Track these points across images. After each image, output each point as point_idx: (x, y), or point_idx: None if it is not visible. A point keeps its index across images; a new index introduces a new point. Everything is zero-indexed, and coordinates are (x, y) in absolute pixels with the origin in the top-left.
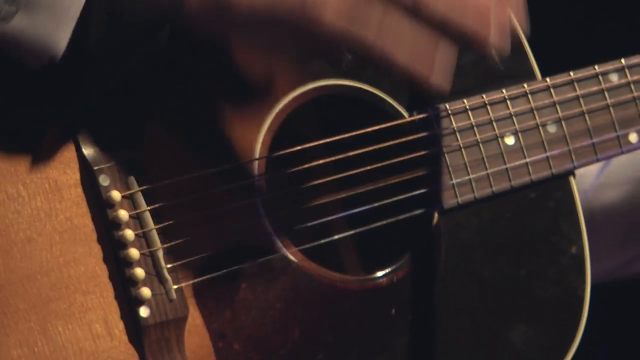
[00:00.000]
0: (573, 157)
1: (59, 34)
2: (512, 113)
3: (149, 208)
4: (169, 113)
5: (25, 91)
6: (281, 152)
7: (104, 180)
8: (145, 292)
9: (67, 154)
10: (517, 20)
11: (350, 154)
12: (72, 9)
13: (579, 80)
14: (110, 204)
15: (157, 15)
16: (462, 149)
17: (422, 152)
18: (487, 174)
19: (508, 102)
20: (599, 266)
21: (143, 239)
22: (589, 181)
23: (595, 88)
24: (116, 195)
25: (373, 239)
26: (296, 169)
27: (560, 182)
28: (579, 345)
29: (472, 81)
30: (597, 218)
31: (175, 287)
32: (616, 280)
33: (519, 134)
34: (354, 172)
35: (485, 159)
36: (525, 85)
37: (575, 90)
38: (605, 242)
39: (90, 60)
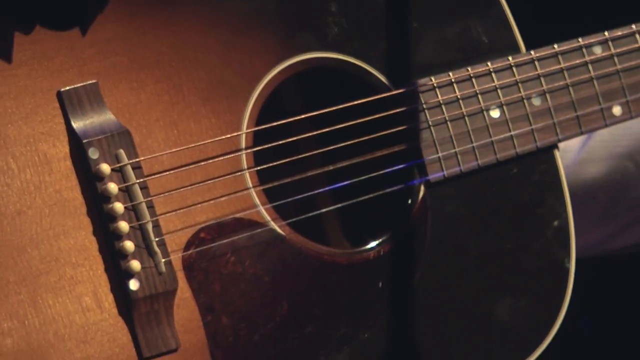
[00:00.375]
0: (558, 130)
1: None
2: (497, 86)
3: (138, 181)
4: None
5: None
6: (267, 125)
7: (93, 153)
8: (135, 265)
9: (57, 127)
10: None
11: (336, 127)
12: None
13: (563, 53)
14: (100, 177)
15: None
16: (448, 122)
17: (408, 125)
18: (473, 147)
19: (493, 74)
20: (579, 242)
21: (132, 212)
22: (571, 157)
23: (579, 61)
24: (105, 168)
25: (359, 213)
26: (282, 142)
27: (544, 155)
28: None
29: (457, 54)
30: (579, 194)
31: (164, 260)
32: (595, 256)
33: (504, 107)
34: (340, 145)
35: (471, 132)
36: (510, 58)
37: (560, 63)
38: (586, 218)
39: None
